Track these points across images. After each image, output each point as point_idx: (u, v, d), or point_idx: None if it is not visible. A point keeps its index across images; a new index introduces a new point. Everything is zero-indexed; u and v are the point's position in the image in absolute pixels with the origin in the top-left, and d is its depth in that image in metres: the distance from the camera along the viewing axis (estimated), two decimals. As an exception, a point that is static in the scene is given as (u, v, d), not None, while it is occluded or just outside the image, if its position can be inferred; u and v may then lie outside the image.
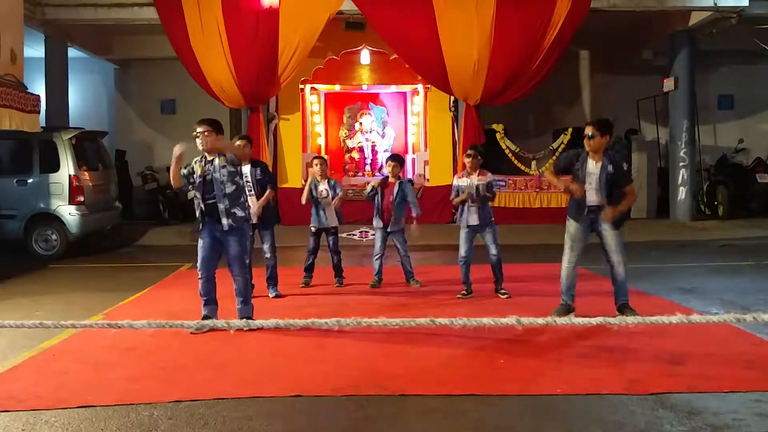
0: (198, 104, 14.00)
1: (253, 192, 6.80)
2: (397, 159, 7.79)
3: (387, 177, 7.60)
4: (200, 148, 5.66)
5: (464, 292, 6.95)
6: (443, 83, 12.67)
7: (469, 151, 6.99)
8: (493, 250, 6.83)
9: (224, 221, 5.59)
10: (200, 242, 5.72)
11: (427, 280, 7.78)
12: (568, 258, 5.95)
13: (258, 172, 6.89)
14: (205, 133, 5.56)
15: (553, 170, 6.22)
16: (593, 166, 5.79)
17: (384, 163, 14.89)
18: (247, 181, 6.66)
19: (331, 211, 7.54)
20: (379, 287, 7.50)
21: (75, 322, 4.59)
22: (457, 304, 6.68)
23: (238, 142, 6.51)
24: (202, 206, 5.65)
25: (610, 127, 5.88)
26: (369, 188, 7.58)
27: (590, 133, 5.73)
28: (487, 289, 7.03)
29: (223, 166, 5.60)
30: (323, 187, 7.54)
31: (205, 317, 5.64)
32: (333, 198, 7.50)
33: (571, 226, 5.95)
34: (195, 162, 5.72)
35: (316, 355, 5.00)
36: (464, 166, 7.05)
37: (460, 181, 6.95)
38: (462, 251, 6.88)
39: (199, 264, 5.71)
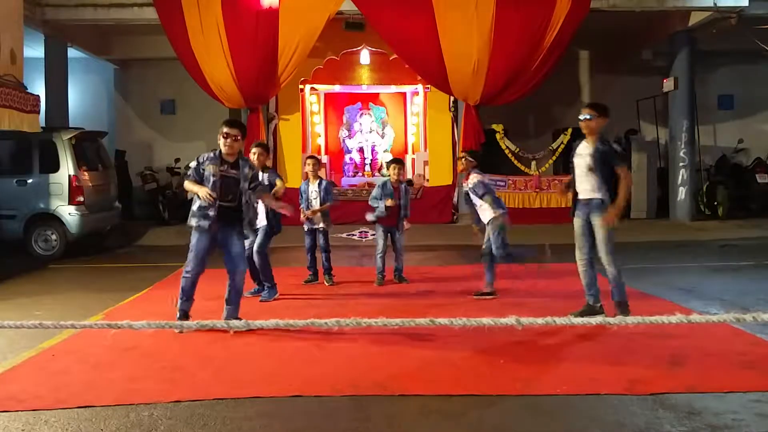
0: (198, 104, 14.05)
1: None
2: (402, 162, 8.00)
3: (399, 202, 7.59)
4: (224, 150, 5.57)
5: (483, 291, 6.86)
6: (443, 83, 12.67)
7: (459, 154, 7.02)
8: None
9: None
10: None
11: (428, 280, 7.79)
12: (577, 257, 5.88)
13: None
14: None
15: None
16: (584, 147, 5.73)
17: (384, 165, 15.12)
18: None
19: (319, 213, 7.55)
20: (382, 285, 7.58)
21: (75, 323, 4.59)
22: (457, 304, 6.66)
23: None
24: None
25: (607, 110, 5.79)
26: (384, 207, 7.49)
27: (588, 115, 5.65)
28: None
29: None
30: (313, 188, 7.57)
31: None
32: (322, 201, 7.51)
33: (574, 223, 5.87)
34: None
35: (315, 355, 5.00)
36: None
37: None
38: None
39: None
